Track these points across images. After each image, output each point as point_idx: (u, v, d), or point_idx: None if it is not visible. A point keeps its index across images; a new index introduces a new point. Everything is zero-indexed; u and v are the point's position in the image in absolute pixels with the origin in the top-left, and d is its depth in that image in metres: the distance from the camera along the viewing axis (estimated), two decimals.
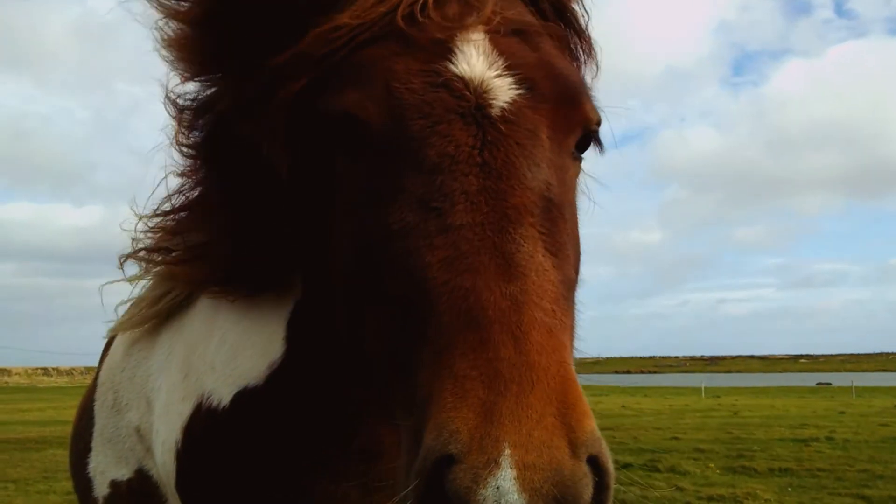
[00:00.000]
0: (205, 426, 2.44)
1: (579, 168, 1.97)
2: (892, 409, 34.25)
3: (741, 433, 22.37)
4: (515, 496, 1.30)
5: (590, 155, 2.07)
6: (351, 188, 1.83)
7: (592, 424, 1.41)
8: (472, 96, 1.71)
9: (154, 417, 2.77)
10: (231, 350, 2.41)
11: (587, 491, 1.37)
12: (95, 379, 3.52)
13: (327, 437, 2.28)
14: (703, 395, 54.18)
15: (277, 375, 2.30)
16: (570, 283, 1.68)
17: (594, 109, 1.93)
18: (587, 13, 2.22)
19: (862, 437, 20.61)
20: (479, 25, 1.82)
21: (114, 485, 3.13)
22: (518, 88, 1.75)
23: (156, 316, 2.84)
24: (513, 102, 1.73)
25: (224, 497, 2.43)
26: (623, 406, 39.33)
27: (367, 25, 1.82)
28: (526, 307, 1.49)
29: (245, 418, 2.35)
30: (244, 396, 2.35)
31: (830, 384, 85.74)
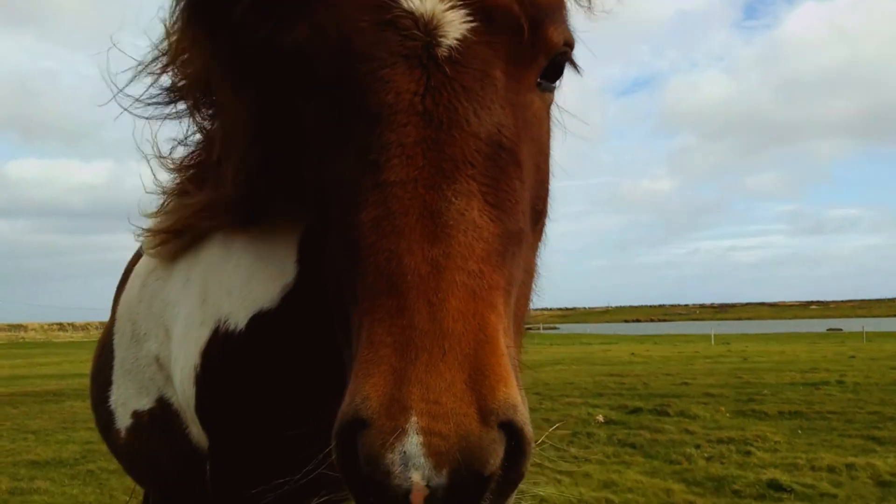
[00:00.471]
0: (222, 350, 2.49)
1: (550, 98, 1.89)
2: None
3: (751, 378, 22.46)
4: (421, 460, 1.32)
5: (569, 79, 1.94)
6: (308, 131, 1.80)
7: (507, 390, 1.39)
8: (421, 34, 1.61)
9: (173, 345, 2.83)
10: (246, 274, 2.46)
11: (495, 457, 1.37)
12: (113, 314, 3.62)
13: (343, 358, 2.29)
14: (712, 341, 54.39)
15: (291, 298, 2.34)
16: (512, 234, 1.60)
17: (559, 31, 1.78)
18: None
19: (872, 381, 20.66)
20: None
21: (136, 415, 3.23)
22: (472, 21, 1.63)
23: (174, 253, 2.88)
24: (463, 40, 1.62)
25: (243, 419, 2.49)
26: (632, 353, 39.55)
27: None
28: (446, 272, 1.46)
29: (261, 341, 2.40)
30: (259, 320, 2.39)
31: (841, 330, 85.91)
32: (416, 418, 1.33)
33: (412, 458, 1.32)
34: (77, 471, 11.30)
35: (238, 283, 2.47)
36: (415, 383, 1.35)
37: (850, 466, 9.90)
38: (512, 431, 1.40)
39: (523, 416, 1.42)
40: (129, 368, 3.23)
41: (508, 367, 1.42)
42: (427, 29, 1.61)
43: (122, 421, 3.33)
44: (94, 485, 10.41)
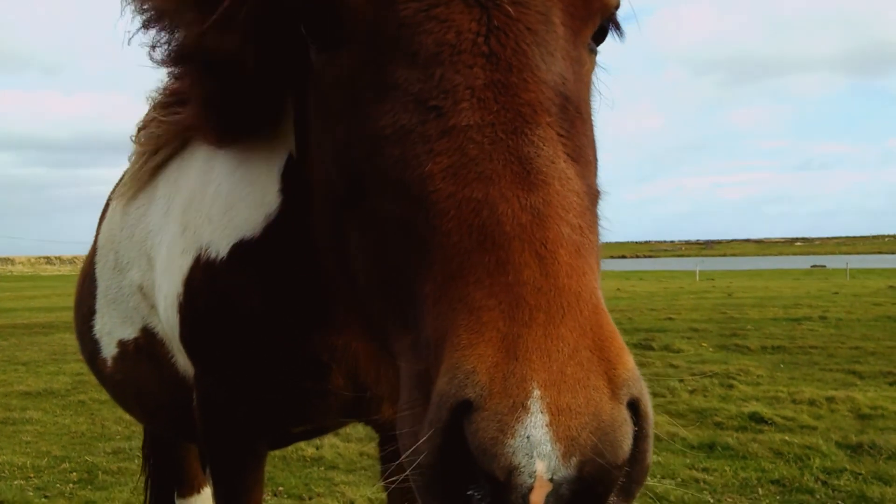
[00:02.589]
0: (204, 278, 2.48)
1: (595, 62, 1.75)
2: (886, 289, 34.81)
3: (735, 313, 22.78)
4: (549, 447, 1.09)
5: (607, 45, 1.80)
6: (329, 89, 1.61)
7: (632, 360, 1.22)
8: None
9: (156, 274, 2.83)
10: (226, 201, 2.42)
11: (627, 441, 1.16)
12: (95, 243, 3.61)
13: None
14: (697, 277, 54.95)
15: (273, 228, 2.29)
16: (594, 194, 1.46)
17: None
18: None
19: (854, 317, 21.01)
20: None
21: (121, 344, 3.26)
22: None
23: (153, 170, 2.84)
24: None
25: (226, 347, 2.51)
26: (618, 289, 39.94)
27: None
28: (551, 221, 1.27)
29: (242, 270, 2.38)
30: (241, 248, 2.36)
31: (825, 266, 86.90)
32: (539, 392, 1.12)
33: (538, 444, 1.09)
34: (68, 401, 11.41)
35: (218, 210, 2.43)
36: (533, 350, 1.14)
37: (830, 399, 10.11)
38: (637, 411, 1.21)
39: (648, 394, 1.25)
40: (113, 297, 3.24)
41: (623, 340, 1.24)
42: None
43: (108, 350, 3.35)
44: (86, 415, 10.52)
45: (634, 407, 1.20)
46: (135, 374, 3.25)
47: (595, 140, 1.65)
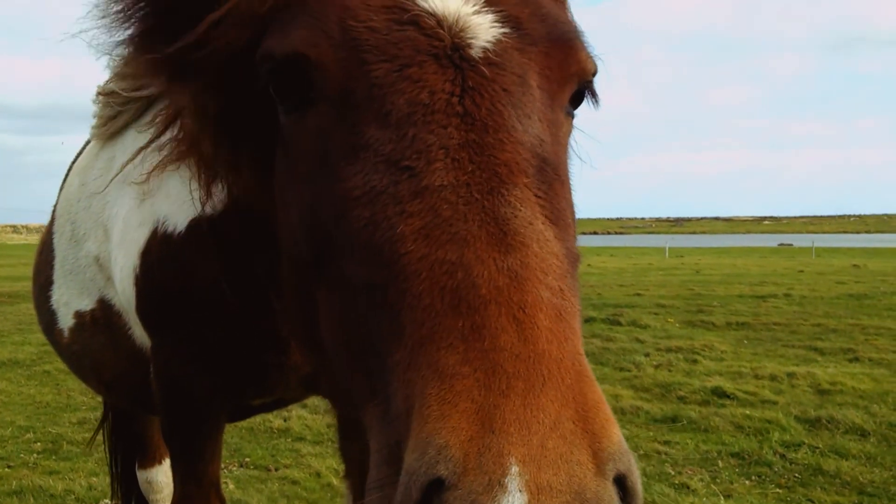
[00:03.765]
0: (161, 252, 2.46)
1: (571, 125, 1.71)
2: (850, 268, 35.50)
3: (702, 290, 23.11)
4: None
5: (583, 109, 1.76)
6: (297, 149, 1.56)
7: (619, 433, 1.14)
8: (446, 35, 1.43)
9: (112, 245, 2.80)
10: (185, 176, 2.39)
11: None
12: (53, 212, 3.58)
13: None
14: (666, 254, 55.53)
15: (234, 205, 2.24)
16: (573, 257, 1.40)
17: (590, 58, 1.64)
18: None
19: (818, 294, 21.41)
20: None
21: (78, 315, 3.23)
22: (502, 27, 1.47)
23: (111, 136, 2.81)
24: (497, 42, 1.45)
25: (183, 321, 2.50)
26: (588, 265, 40.24)
27: None
28: (529, 283, 1.21)
29: (200, 245, 2.37)
30: (200, 224, 2.33)
31: (792, 245, 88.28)
32: (517, 468, 1.03)
33: None
34: (33, 371, 11.28)
35: (176, 184, 2.40)
36: (511, 422, 1.06)
37: (791, 375, 10.32)
38: (624, 488, 1.13)
39: (636, 469, 1.17)
40: (70, 269, 3.21)
41: (609, 408, 1.17)
42: (453, 31, 1.44)
43: (65, 321, 3.33)
44: (51, 385, 10.41)
45: (621, 483, 1.12)
46: (92, 345, 3.23)
47: (573, 203, 1.60)
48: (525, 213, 1.29)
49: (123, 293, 2.71)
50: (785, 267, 37.56)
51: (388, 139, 1.37)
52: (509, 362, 1.11)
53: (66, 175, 3.61)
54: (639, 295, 21.47)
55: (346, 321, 1.42)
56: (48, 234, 3.55)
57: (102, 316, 3.07)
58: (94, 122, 2.98)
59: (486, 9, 1.48)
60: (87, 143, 3.39)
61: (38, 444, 7.78)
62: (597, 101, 1.81)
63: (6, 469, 6.99)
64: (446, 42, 1.43)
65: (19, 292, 22.85)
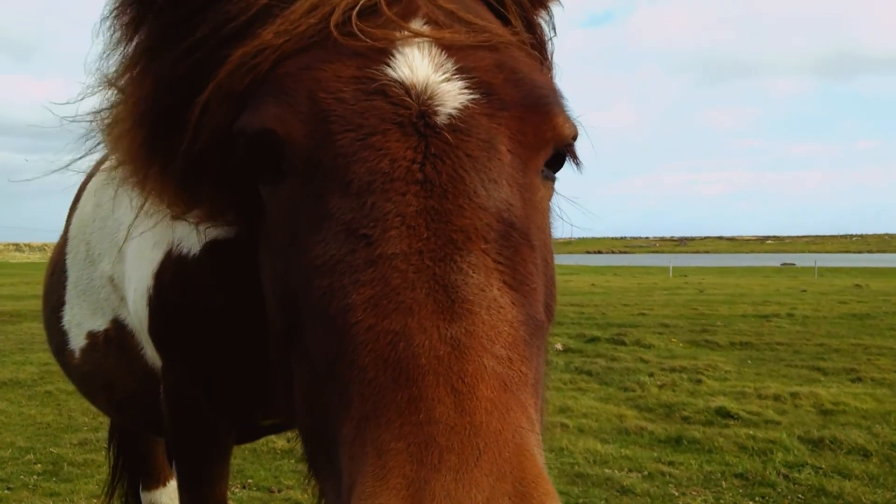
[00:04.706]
0: (175, 273, 2.48)
1: (551, 190, 1.67)
2: (852, 288, 35.40)
3: (705, 310, 23.05)
4: None
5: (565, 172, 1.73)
6: (273, 221, 1.55)
7: None
8: (413, 103, 1.43)
9: (126, 266, 2.81)
10: None
11: None
12: (66, 233, 3.61)
13: None
14: (671, 274, 55.46)
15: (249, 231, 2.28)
16: (536, 325, 1.35)
17: (569, 121, 1.60)
18: (554, 30, 1.91)
19: (821, 314, 21.34)
20: (424, 26, 1.53)
21: (91, 336, 3.24)
22: (471, 93, 1.46)
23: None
24: (463, 109, 1.44)
25: (194, 342, 2.52)
26: (593, 284, 40.20)
27: (295, 41, 1.52)
28: (472, 352, 1.17)
29: (214, 268, 2.38)
30: (215, 247, 2.33)
31: (794, 264, 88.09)
32: None
33: None
34: (35, 391, 11.25)
35: None
36: (441, 497, 1.02)
37: (794, 395, 10.28)
38: None
39: None
40: (84, 289, 3.23)
41: (552, 485, 1.11)
42: (421, 98, 1.43)
43: (76, 342, 3.34)
44: (53, 405, 10.39)
45: None
46: (103, 365, 3.24)
47: (550, 264, 1.57)
48: (477, 280, 1.26)
49: (136, 314, 2.73)
50: (788, 286, 37.49)
51: (348, 208, 1.36)
52: (443, 435, 1.08)
53: (78, 196, 3.64)
54: (643, 314, 21.44)
55: (309, 394, 1.40)
56: (60, 255, 3.57)
57: (115, 336, 3.09)
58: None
59: (456, 76, 1.48)
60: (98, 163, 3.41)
61: (39, 465, 7.75)
62: (578, 165, 1.78)
63: (6, 491, 6.96)
64: (413, 110, 1.42)
65: (21, 311, 22.85)
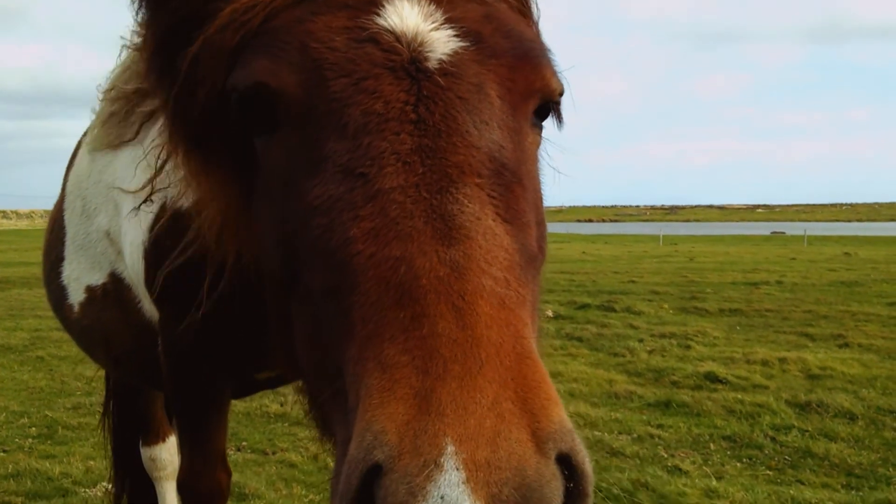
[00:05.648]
0: (170, 226, 2.50)
1: (539, 138, 1.72)
2: (841, 255, 35.65)
3: (695, 277, 23.20)
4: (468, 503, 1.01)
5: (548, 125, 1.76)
6: (268, 171, 1.59)
7: (562, 413, 1.15)
8: (404, 49, 1.47)
9: (122, 220, 2.83)
10: None
11: (556, 499, 1.08)
12: (63, 189, 3.65)
13: None
14: (661, 242, 55.68)
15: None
16: (530, 254, 1.41)
17: (556, 76, 1.65)
18: None
19: (810, 282, 21.52)
20: None
21: (89, 290, 3.30)
22: (460, 40, 1.51)
23: (131, 130, 2.84)
24: (454, 54, 1.49)
25: (190, 294, 2.54)
26: (583, 252, 40.35)
27: None
28: (471, 273, 1.23)
29: None
30: None
31: (784, 233, 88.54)
32: (453, 447, 1.04)
33: (456, 502, 1.01)
34: (26, 357, 11.28)
35: None
36: (447, 404, 1.07)
37: (782, 360, 10.40)
38: (570, 466, 1.13)
39: (583, 448, 1.17)
40: (81, 244, 3.27)
41: (554, 388, 1.18)
42: (412, 46, 1.47)
43: (75, 296, 3.39)
44: (45, 370, 10.42)
45: (567, 462, 1.12)
46: (102, 319, 3.29)
47: (540, 208, 1.61)
48: (473, 209, 1.31)
49: (133, 267, 2.76)
50: (777, 254, 37.72)
51: (344, 150, 1.40)
52: (446, 347, 1.13)
53: (74, 153, 3.66)
54: (633, 282, 21.56)
55: (313, 331, 1.45)
56: (58, 212, 3.61)
57: (113, 290, 3.13)
58: (103, 108, 2.99)
59: (445, 25, 1.52)
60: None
61: (34, 428, 7.79)
62: (561, 122, 1.83)
63: (1, 454, 7.01)
64: (404, 56, 1.46)
65: (10, 278, 22.79)
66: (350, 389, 1.23)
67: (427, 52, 1.48)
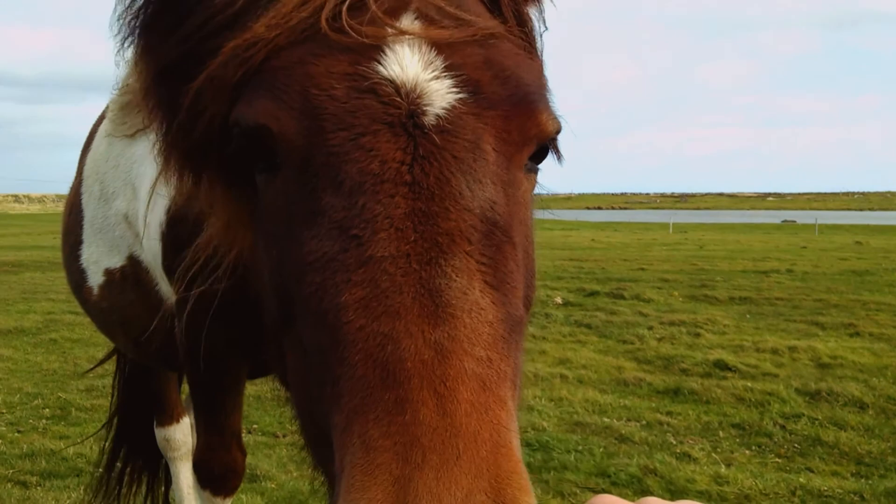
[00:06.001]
0: (184, 210, 2.53)
1: (534, 181, 1.73)
2: (853, 244, 35.49)
3: (705, 265, 23.15)
4: None
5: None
6: (269, 209, 1.61)
7: (532, 502, 1.19)
8: (403, 102, 1.47)
9: (139, 203, 2.87)
10: None
11: None
12: (80, 173, 3.69)
13: None
14: (671, 230, 55.52)
15: None
16: (515, 321, 1.44)
17: (553, 118, 1.65)
18: (545, 24, 1.94)
19: (820, 270, 21.44)
20: (415, 22, 1.56)
21: (108, 273, 3.35)
22: (458, 92, 1.50)
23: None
24: (451, 109, 1.48)
25: (206, 276, 2.58)
26: (593, 240, 40.29)
27: (287, 34, 1.55)
28: (453, 357, 1.26)
29: None
30: None
31: (795, 221, 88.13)
32: None
33: None
34: (39, 339, 11.38)
35: None
36: (424, 494, 1.12)
37: (792, 349, 10.40)
38: None
39: None
40: (100, 227, 3.32)
41: (527, 476, 1.21)
42: (411, 97, 1.47)
43: (94, 279, 3.44)
44: (58, 353, 10.51)
45: None
46: (120, 301, 3.34)
47: (532, 259, 1.66)
48: (460, 283, 1.33)
49: (150, 249, 2.80)
50: (788, 243, 37.57)
51: (340, 206, 1.41)
52: (426, 436, 1.16)
53: (90, 137, 3.70)
54: (642, 269, 21.53)
55: (303, 377, 1.50)
56: (76, 196, 3.65)
57: (132, 273, 3.18)
58: (120, 93, 3.01)
59: (445, 74, 1.51)
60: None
61: (47, 409, 7.88)
62: (560, 158, 1.84)
63: (16, 434, 7.10)
64: (402, 109, 1.46)
65: (23, 262, 22.96)
66: (336, 452, 1.28)
67: (425, 105, 1.47)
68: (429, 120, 1.46)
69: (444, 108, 1.47)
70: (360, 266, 1.35)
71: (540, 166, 1.74)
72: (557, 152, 1.81)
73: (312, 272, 1.41)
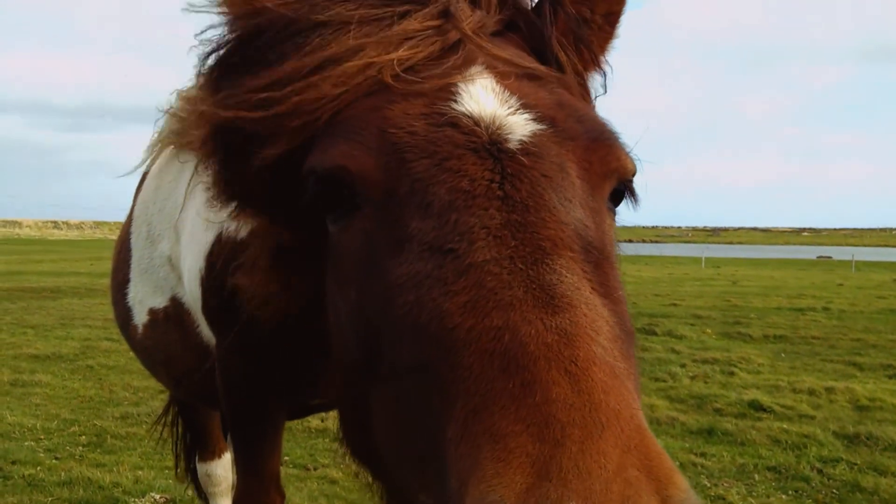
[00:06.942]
0: (225, 255, 2.57)
1: (614, 223, 1.70)
2: (891, 282, 34.77)
3: (739, 301, 22.84)
4: None
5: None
6: (344, 254, 1.58)
7: (687, 483, 1.06)
8: (483, 133, 1.48)
9: (182, 247, 2.94)
10: None
11: None
12: (131, 213, 3.82)
13: None
14: (703, 265, 54.91)
15: None
16: (627, 330, 1.36)
17: (629, 158, 1.65)
18: (605, 87, 1.98)
19: (858, 309, 21.04)
20: (484, 71, 1.61)
21: (152, 312, 3.44)
22: (538, 124, 1.52)
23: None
24: (534, 135, 1.50)
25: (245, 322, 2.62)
26: (623, 273, 39.63)
27: (353, 91, 1.59)
28: (580, 340, 1.17)
29: None
30: None
31: (831, 258, 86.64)
32: None
33: None
34: (77, 366, 11.56)
35: None
36: (569, 469, 1.00)
37: (829, 390, 10.19)
38: None
39: None
40: (145, 268, 3.41)
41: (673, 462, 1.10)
42: (490, 129, 1.49)
43: (140, 317, 3.53)
44: (94, 379, 10.67)
45: None
46: (163, 341, 3.42)
47: (623, 289, 1.55)
48: (571, 280, 1.28)
49: (191, 292, 2.86)
50: (824, 280, 36.93)
51: (430, 228, 1.39)
52: (563, 412, 1.07)
53: (143, 177, 3.82)
54: (675, 305, 21.31)
55: (399, 412, 1.40)
56: (126, 235, 3.78)
57: (174, 313, 3.25)
58: (164, 137, 3.12)
59: (521, 110, 1.54)
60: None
61: (84, 437, 7.99)
62: (636, 201, 1.81)
63: (54, 460, 7.20)
64: (483, 138, 1.47)
65: (61, 288, 23.39)
66: (452, 471, 1.15)
67: (507, 134, 1.49)
68: (513, 145, 1.47)
69: (526, 136, 1.49)
70: (459, 276, 1.30)
71: (617, 209, 1.73)
72: (633, 195, 1.78)
73: (404, 293, 1.36)
